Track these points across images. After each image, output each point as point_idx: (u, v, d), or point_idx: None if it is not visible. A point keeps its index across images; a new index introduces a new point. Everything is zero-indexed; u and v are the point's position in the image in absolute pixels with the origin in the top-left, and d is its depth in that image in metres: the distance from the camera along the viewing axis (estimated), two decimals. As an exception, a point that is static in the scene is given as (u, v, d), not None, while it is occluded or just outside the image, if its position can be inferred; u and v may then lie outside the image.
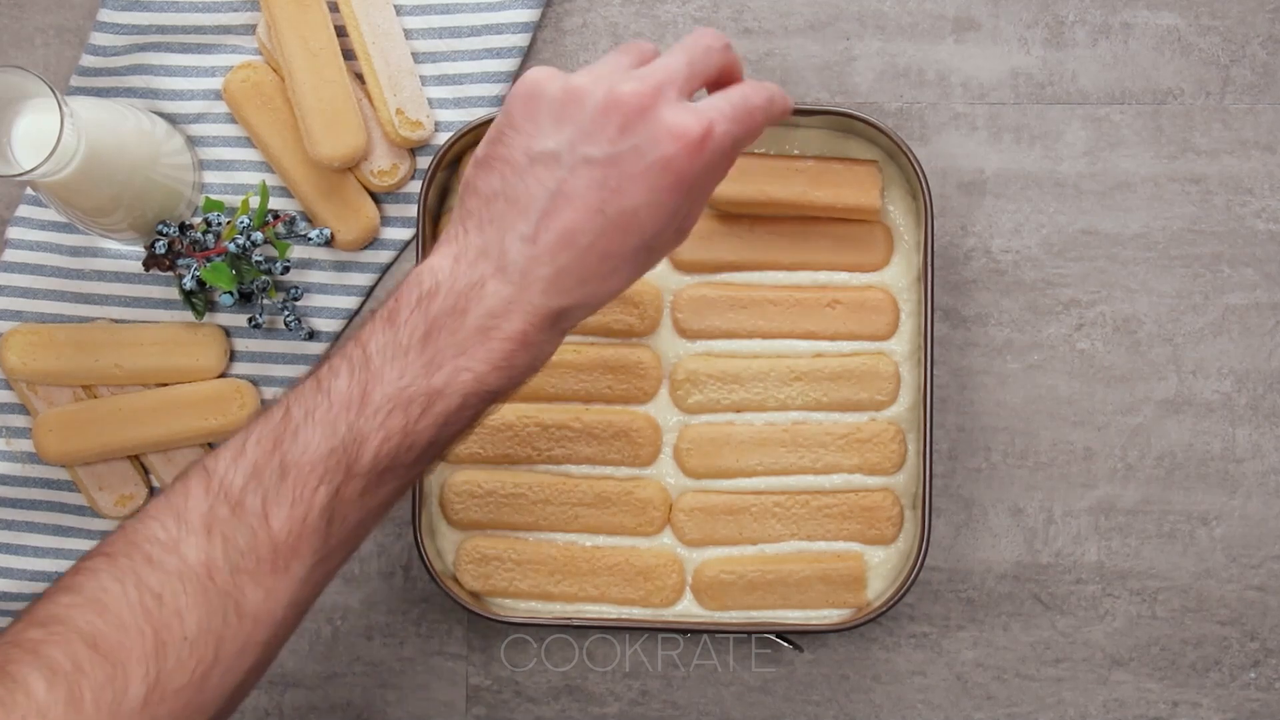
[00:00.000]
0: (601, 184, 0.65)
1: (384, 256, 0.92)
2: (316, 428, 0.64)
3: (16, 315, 0.92)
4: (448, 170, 0.90)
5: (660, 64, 0.67)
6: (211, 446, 0.92)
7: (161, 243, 0.89)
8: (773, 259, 0.89)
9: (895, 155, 0.87)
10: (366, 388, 0.64)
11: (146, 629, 0.60)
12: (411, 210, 0.92)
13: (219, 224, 0.90)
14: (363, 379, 0.64)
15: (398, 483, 0.66)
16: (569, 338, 0.89)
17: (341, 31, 0.90)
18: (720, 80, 0.70)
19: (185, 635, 0.61)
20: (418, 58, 0.91)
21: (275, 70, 0.91)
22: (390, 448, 0.64)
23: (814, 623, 0.87)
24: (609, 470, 0.89)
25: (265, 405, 0.66)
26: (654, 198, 0.65)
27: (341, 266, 0.92)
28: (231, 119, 0.92)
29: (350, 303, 0.92)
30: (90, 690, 0.58)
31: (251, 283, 0.90)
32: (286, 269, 0.90)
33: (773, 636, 0.88)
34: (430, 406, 0.65)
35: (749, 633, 0.87)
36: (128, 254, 0.92)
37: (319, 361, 0.67)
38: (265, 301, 0.91)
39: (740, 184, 0.87)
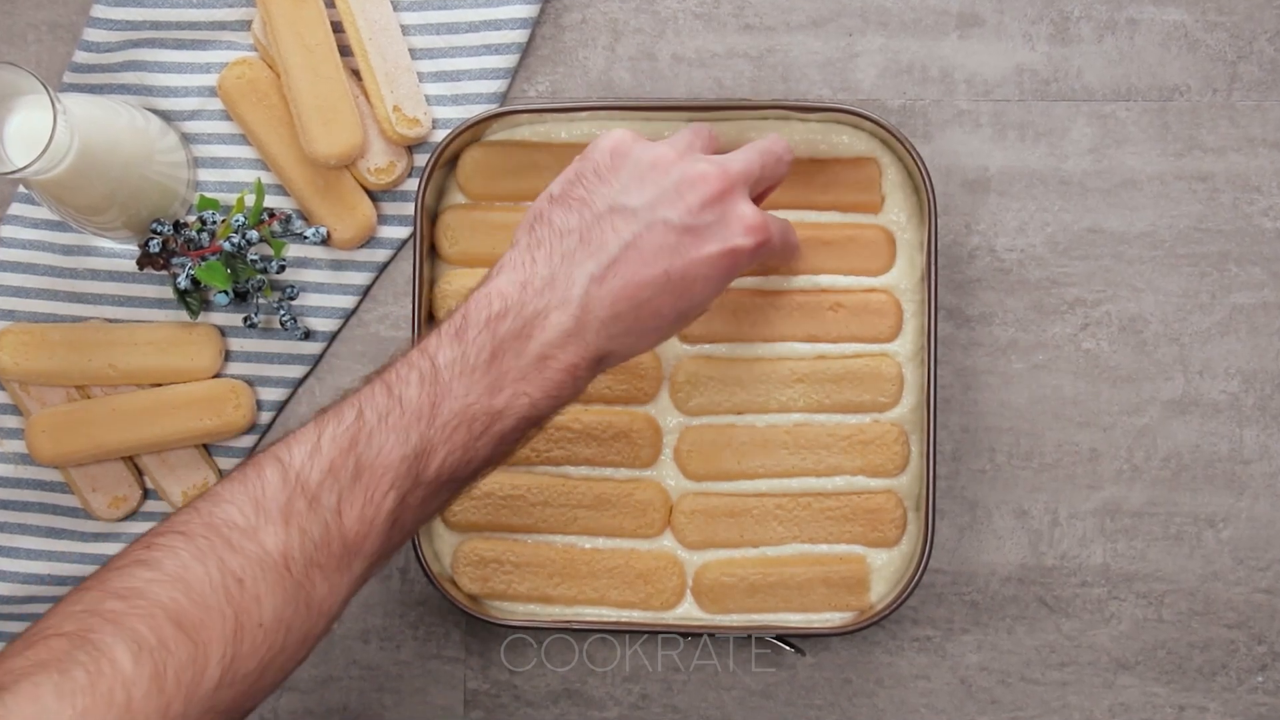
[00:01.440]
0: (673, 249, 0.71)
1: (381, 255, 0.91)
2: (390, 434, 0.66)
3: (9, 315, 0.91)
4: (445, 168, 0.89)
5: (740, 158, 0.76)
6: (207, 448, 0.91)
7: (156, 241, 0.88)
8: (774, 265, 0.88)
9: (899, 153, 0.86)
10: (436, 400, 0.67)
11: (228, 611, 0.61)
12: (408, 209, 0.91)
13: (214, 222, 0.89)
14: (433, 391, 0.68)
15: (450, 495, 0.71)
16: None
17: (338, 27, 0.89)
18: (770, 184, 0.80)
19: (261, 622, 0.62)
20: (415, 54, 0.91)
21: (271, 67, 0.90)
22: (453, 461, 0.68)
23: (816, 626, 0.87)
24: (609, 472, 0.89)
25: (327, 404, 0.70)
26: (712, 275, 0.73)
27: (338, 265, 0.91)
28: (226, 116, 0.91)
29: (347, 302, 0.91)
30: (173, 668, 0.59)
31: (247, 282, 0.89)
32: (282, 268, 0.89)
33: (774, 640, 0.87)
34: (490, 426, 0.69)
35: (750, 634, 0.86)
36: (121, 253, 0.91)
37: (383, 366, 0.70)
38: (261, 301, 0.90)
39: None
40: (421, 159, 0.91)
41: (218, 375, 0.91)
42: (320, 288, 0.91)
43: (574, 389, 0.71)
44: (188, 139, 0.91)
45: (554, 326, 0.69)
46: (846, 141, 0.88)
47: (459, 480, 0.70)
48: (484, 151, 0.89)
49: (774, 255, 0.78)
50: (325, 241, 0.90)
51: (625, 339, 0.72)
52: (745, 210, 0.74)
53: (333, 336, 0.92)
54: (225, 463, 0.92)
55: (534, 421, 0.71)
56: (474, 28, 0.90)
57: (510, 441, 0.71)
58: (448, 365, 0.68)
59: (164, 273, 0.90)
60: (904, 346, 0.88)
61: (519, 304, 0.70)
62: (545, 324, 0.69)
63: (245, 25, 0.91)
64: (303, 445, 0.66)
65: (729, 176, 0.74)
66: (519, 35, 0.90)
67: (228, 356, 0.91)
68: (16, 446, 0.91)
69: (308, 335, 0.91)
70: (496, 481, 0.88)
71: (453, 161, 0.89)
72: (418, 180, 0.87)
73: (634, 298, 0.71)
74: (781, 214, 0.87)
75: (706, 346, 0.88)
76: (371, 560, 0.67)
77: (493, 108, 0.89)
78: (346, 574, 0.66)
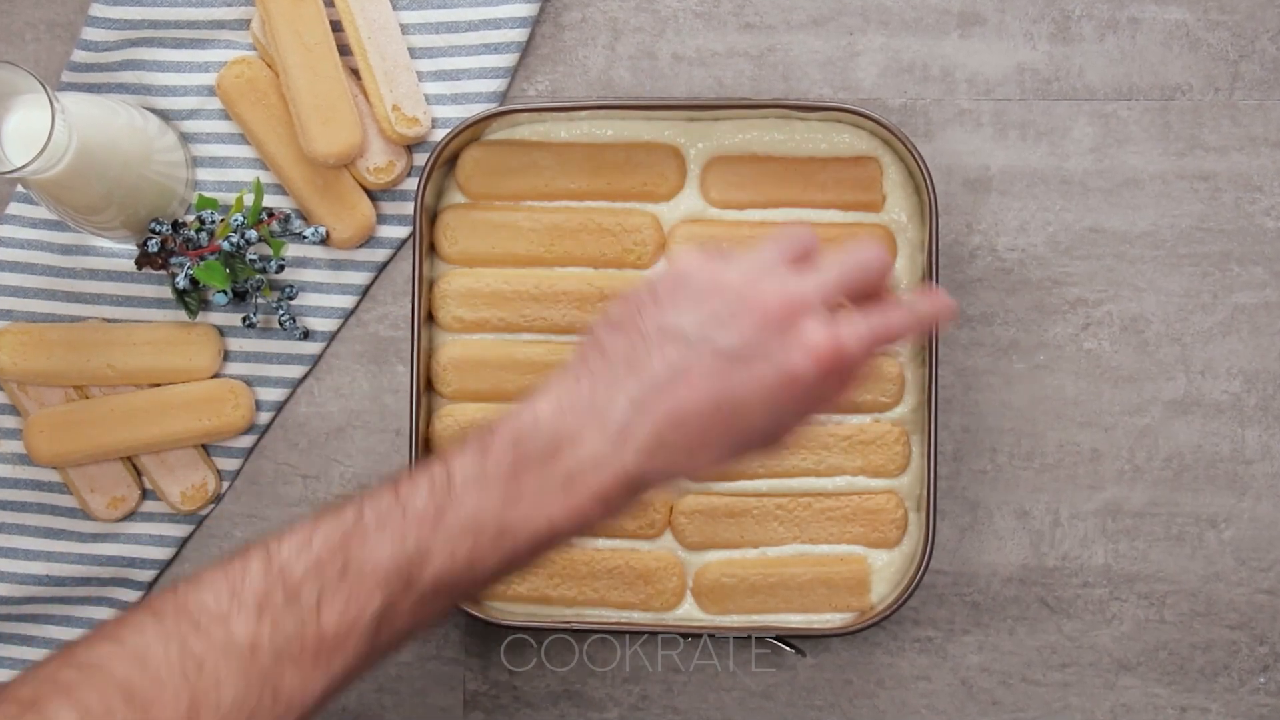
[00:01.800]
0: (724, 376, 0.66)
1: (380, 255, 0.91)
2: (385, 536, 0.64)
3: (7, 314, 0.91)
4: (445, 167, 0.88)
5: (817, 280, 0.68)
6: (206, 448, 0.91)
7: (154, 241, 0.88)
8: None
9: (899, 152, 0.86)
10: (442, 507, 0.65)
11: (183, 691, 0.60)
12: (408, 208, 0.91)
13: (212, 222, 0.89)
14: (441, 499, 0.65)
15: (451, 602, 0.67)
16: (568, 336, 0.88)
17: (337, 26, 0.89)
18: (868, 293, 0.71)
19: (219, 706, 0.61)
20: (414, 53, 0.90)
21: (270, 66, 0.89)
22: (453, 569, 0.65)
23: (816, 626, 0.86)
24: (608, 472, 0.88)
25: (327, 505, 0.69)
26: (770, 401, 0.66)
27: (337, 265, 0.91)
28: (225, 115, 0.91)
29: (346, 301, 0.91)
30: None
31: (245, 281, 0.89)
32: (281, 267, 0.89)
33: (774, 640, 0.87)
34: (500, 538, 0.66)
35: (750, 635, 0.86)
36: (120, 252, 0.91)
37: (400, 472, 0.68)
38: (259, 300, 0.90)
39: (741, 186, 0.87)
40: (421, 158, 0.91)
41: (216, 375, 0.90)
42: (319, 287, 0.91)
43: (603, 514, 0.67)
44: (186, 138, 0.91)
45: (586, 447, 0.66)
46: (847, 141, 0.87)
47: (460, 589, 0.67)
48: (483, 151, 0.89)
49: (856, 381, 0.70)
50: (324, 241, 0.90)
51: (669, 462, 0.67)
52: (812, 333, 0.66)
53: (332, 336, 0.92)
54: (224, 463, 0.91)
55: (554, 542, 0.67)
56: (473, 26, 0.90)
57: (522, 560, 0.67)
58: (463, 476, 0.66)
59: (162, 272, 0.90)
60: (905, 346, 0.87)
61: (552, 426, 0.66)
62: (577, 444, 0.66)
63: (244, 24, 0.90)
64: (295, 537, 0.65)
65: (793, 302, 0.67)
66: (518, 34, 0.90)
67: (226, 356, 0.91)
68: (14, 447, 0.91)
69: (307, 335, 0.91)
70: (496, 482, 0.88)
71: (452, 161, 0.89)
72: (417, 179, 0.87)
73: (680, 425, 0.66)
74: (782, 213, 0.87)
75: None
76: (356, 660, 0.65)
77: (492, 107, 0.89)
78: (323, 670, 0.64)
